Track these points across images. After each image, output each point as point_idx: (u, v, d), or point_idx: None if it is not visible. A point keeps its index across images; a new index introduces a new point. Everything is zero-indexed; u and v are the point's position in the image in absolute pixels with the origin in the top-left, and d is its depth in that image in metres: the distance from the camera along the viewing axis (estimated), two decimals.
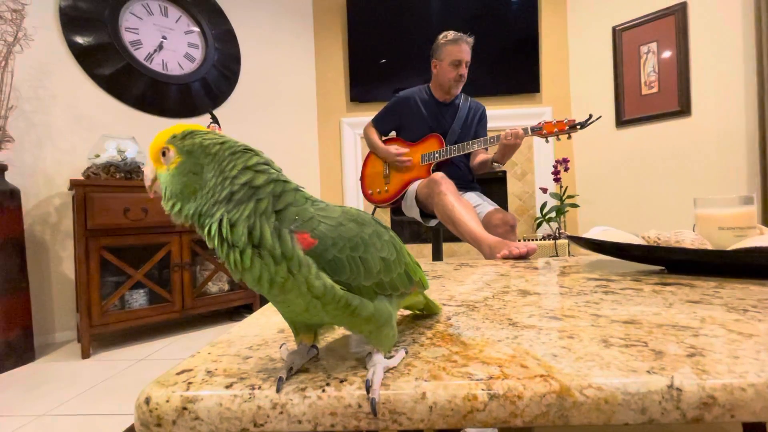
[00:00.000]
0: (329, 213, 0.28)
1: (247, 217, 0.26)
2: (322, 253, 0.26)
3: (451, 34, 1.65)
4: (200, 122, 2.36)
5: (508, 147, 1.52)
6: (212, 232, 0.26)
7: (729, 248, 0.59)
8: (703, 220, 0.67)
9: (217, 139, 0.28)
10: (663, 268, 0.69)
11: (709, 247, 0.63)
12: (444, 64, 1.66)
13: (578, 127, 1.47)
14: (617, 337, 0.34)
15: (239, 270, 0.26)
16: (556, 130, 1.50)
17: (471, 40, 1.66)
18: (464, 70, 1.65)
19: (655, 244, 0.67)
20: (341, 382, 0.28)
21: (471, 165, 1.80)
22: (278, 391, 0.27)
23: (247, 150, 0.28)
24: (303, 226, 0.27)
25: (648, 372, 0.27)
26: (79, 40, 2.02)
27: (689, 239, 0.64)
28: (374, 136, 1.84)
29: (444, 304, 0.49)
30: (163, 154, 0.28)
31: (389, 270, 0.30)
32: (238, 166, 0.27)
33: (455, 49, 1.62)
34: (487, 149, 1.71)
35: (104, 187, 1.72)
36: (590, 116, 1.46)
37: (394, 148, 1.74)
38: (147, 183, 0.30)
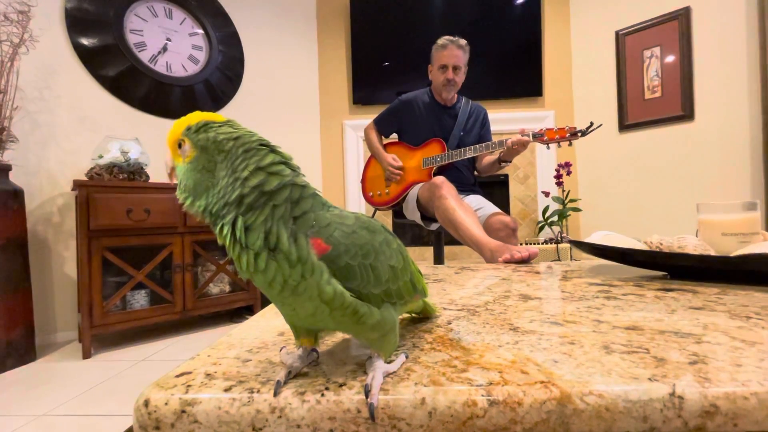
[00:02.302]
0: (344, 220, 0.28)
1: (263, 222, 0.25)
2: (335, 259, 0.26)
3: (441, 40, 1.68)
4: None
5: (514, 150, 1.53)
6: (224, 232, 0.26)
7: (732, 254, 0.58)
8: (707, 225, 0.67)
9: (231, 133, 0.27)
10: (666, 273, 0.69)
11: (713, 253, 0.63)
12: (434, 69, 1.71)
13: (579, 134, 1.48)
14: (619, 344, 0.34)
15: (250, 271, 0.26)
16: (557, 137, 1.50)
17: (463, 43, 1.67)
18: (452, 75, 1.66)
19: (657, 250, 0.66)
20: (340, 386, 0.28)
21: (478, 167, 1.80)
22: (275, 395, 0.27)
23: (262, 146, 0.27)
24: (319, 232, 0.26)
25: (650, 379, 0.27)
26: (84, 41, 2.04)
27: (692, 245, 0.64)
28: (374, 137, 1.84)
29: (444, 308, 0.49)
30: (180, 145, 0.27)
31: (397, 278, 0.30)
32: (251, 166, 0.26)
33: (443, 53, 1.66)
34: (492, 153, 1.71)
35: (107, 188, 1.73)
36: (591, 124, 1.47)
37: (391, 158, 1.74)
38: (167, 171, 0.30)
